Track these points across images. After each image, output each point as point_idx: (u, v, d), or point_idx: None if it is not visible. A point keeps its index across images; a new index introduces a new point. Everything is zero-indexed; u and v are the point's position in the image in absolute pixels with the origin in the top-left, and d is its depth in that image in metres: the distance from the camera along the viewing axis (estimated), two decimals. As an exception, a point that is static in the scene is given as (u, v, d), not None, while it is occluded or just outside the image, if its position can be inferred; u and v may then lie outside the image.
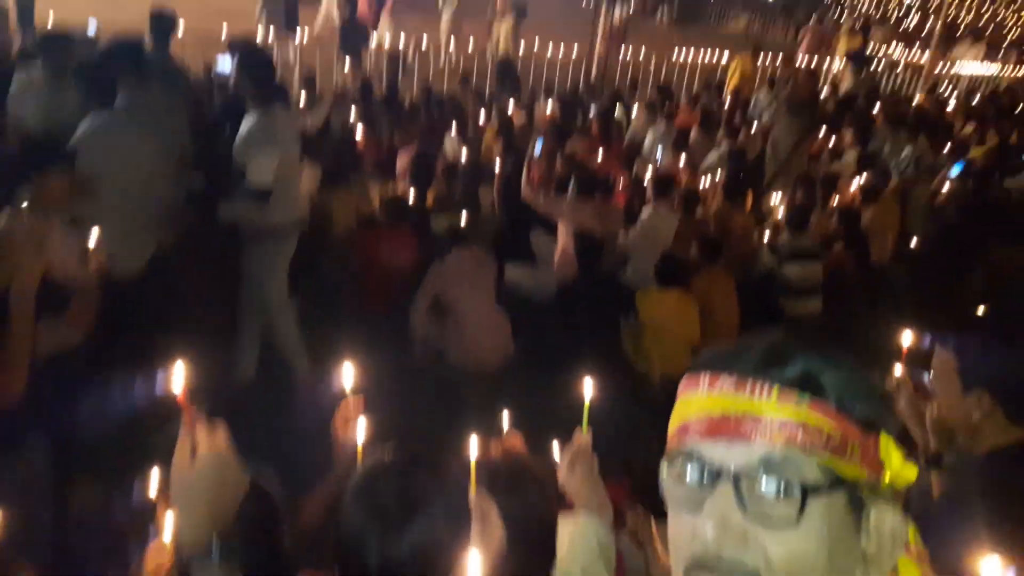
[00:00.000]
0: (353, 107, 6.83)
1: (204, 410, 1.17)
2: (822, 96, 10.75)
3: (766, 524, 0.68)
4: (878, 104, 10.03)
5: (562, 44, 10.92)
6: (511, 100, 8.28)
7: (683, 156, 6.88)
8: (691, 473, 0.73)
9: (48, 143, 2.82)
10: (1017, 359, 1.45)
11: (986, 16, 27.98)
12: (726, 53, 12.10)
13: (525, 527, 1.58)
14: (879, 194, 6.19)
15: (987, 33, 20.46)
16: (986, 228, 5.68)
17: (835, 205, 6.27)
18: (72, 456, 2.46)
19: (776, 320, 5.08)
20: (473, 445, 1.51)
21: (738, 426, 0.71)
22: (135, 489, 1.77)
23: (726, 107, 9.42)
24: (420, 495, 1.29)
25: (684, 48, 12.43)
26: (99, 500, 2.46)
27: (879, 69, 13.43)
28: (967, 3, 22.70)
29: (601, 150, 6.38)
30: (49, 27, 6.82)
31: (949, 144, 8.05)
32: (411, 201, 5.08)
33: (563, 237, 4.94)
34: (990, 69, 14.33)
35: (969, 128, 9.23)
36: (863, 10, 25.78)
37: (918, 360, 1.85)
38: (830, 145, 7.92)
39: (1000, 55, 16.02)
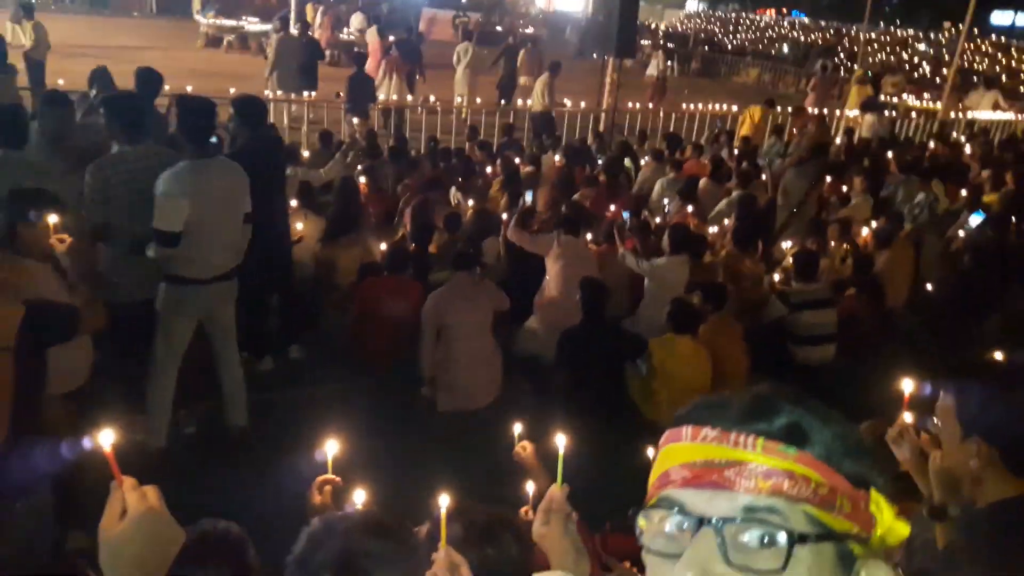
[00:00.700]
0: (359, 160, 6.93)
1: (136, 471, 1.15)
2: (836, 143, 10.81)
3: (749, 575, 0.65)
4: (891, 152, 10.01)
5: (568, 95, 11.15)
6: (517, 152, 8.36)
7: (692, 205, 6.86)
8: (672, 522, 0.70)
9: (32, 193, 2.83)
10: (1018, 410, 1.36)
11: (1000, 64, 28.24)
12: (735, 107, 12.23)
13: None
14: (892, 239, 6.10)
15: (1002, 80, 20.53)
16: (1004, 274, 5.56)
17: (848, 250, 6.19)
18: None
19: (787, 368, 4.96)
20: (443, 500, 1.46)
21: (722, 474, 0.68)
22: None
23: (736, 154, 9.44)
24: (360, 561, 1.22)
25: (695, 99, 12.57)
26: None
27: (893, 115, 13.45)
28: (980, 52, 22.89)
29: (609, 197, 6.38)
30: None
31: (964, 190, 7.97)
32: (413, 249, 5.09)
33: (551, 276, 4.88)
34: (1005, 115, 14.30)
35: (985, 174, 9.16)
36: (874, 60, 26.12)
37: (928, 408, 1.77)
38: (843, 190, 7.87)
39: (1014, 102, 16.01)
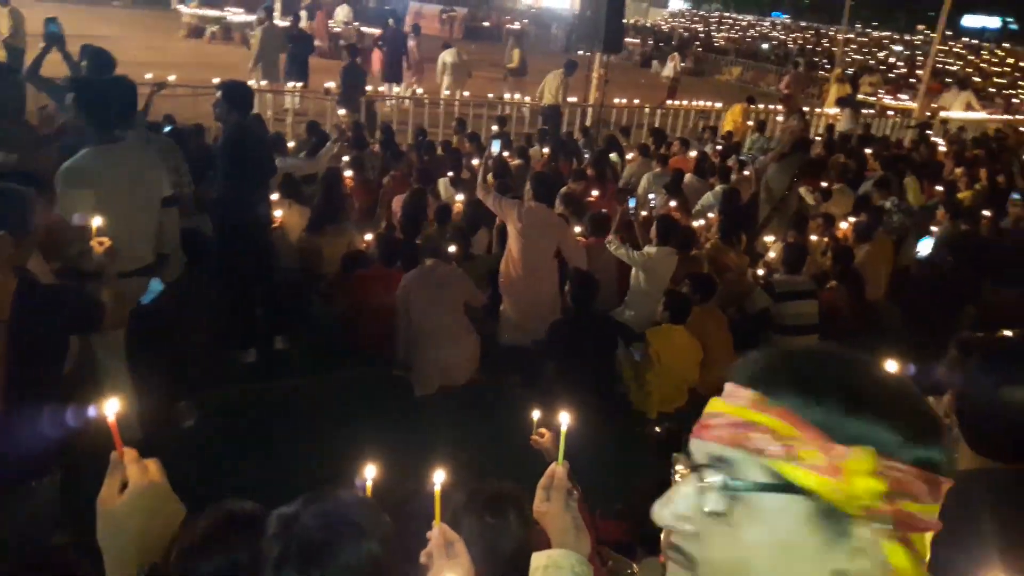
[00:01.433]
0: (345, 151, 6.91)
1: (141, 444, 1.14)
2: (816, 139, 10.95)
3: (709, 519, 0.69)
4: (868, 148, 10.18)
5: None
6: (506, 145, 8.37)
7: (676, 199, 6.92)
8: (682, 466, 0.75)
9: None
10: (986, 392, 1.39)
11: (972, 65, 28.71)
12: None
13: (502, 551, 1.53)
14: (871, 233, 6.22)
15: (973, 80, 20.91)
16: (978, 267, 5.69)
17: (829, 244, 6.29)
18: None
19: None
20: (438, 477, 1.44)
21: (706, 424, 0.72)
22: None
23: (719, 149, 9.55)
24: (325, 544, 1.23)
25: (681, 96, 12.62)
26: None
27: (870, 113, 13.66)
28: (951, 54, 23.19)
29: (596, 190, 6.42)
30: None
31: (939, 186, 8.13)
32: (402, 240, 5.10)
33: (510, 245, 4.92)
34: (977, 115, 14.58)
35: (959, 171, 9.35)
36: (852, 60, 26.44)
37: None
38: (823, 185, 7.99)
39: (987, 102, 16.32)
